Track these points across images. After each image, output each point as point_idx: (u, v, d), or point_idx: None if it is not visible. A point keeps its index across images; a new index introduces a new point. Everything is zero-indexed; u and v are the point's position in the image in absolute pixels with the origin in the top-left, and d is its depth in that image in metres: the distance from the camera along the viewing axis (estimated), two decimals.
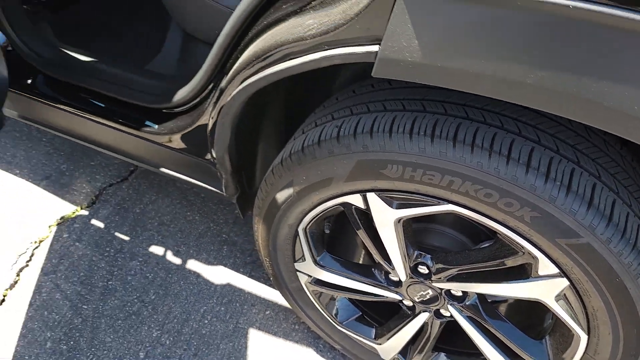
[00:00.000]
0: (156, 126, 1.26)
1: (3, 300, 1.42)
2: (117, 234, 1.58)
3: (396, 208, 0.89)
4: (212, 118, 1.03)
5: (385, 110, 0.84)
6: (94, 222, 1.61)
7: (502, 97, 0.66)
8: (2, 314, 1.39)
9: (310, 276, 1.16)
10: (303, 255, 1.12)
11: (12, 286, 1.45)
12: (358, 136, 0.84)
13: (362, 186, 0.88)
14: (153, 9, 1.77)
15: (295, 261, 1.15)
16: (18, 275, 1.48)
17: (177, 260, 1.53)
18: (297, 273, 1.18)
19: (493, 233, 0.91)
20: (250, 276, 1.51)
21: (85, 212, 1.64)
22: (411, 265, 0.99)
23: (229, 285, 1.49)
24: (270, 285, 1.49)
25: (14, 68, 1.33)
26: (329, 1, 0.77)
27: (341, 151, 0.86)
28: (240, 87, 0.90)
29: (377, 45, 0.70)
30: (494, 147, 0.74)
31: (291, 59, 0.81)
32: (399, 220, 0.91)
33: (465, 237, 1.04)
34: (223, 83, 0.97)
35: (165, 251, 1.55)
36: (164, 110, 1.27)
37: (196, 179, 1.33)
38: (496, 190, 0.75)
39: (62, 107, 1.36)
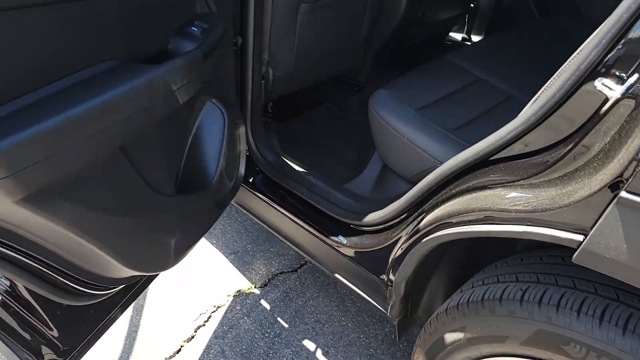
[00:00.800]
0: (343, 238, 1.45)
1: (179, 350, 1.67)
2: (279, 319, 1.77)
3: None
4: (402, 249, 1.17)
5: (574, 289, 0.88)
6: (262, 302, 1.83)
7: None
8: None
9: None
10: None
11: (188, 340, 1.70)
12: (543, 306, 0.88)
13: (539, 354, 0.91)
14: (361, 136, 2.09)
15: None
16: (195, 331, 1.73)
17: None
18: None
19: None
20: None
21: (257, 291, 1.87)
22: None
23: None
24: None
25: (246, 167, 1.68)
26: (537, 184, 0.88)
27: (522, 315, 0.91)
28: (437, 234, 1.03)
29: (583, 236, 0.77)
30: None
31: (492, 224, 0.91)
32: None
33: None
34: (421, 224, 1.11)
35: (316, 348, 1.67)
36: (352, 226, 1.46)
37: (363, 292, 1.46)
38: None
39: (269, 201, 1.64)
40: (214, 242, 2.07)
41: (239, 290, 1.87)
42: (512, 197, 0.90)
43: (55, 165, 0.76)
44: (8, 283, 1.02)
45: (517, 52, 1.92)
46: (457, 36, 2.79)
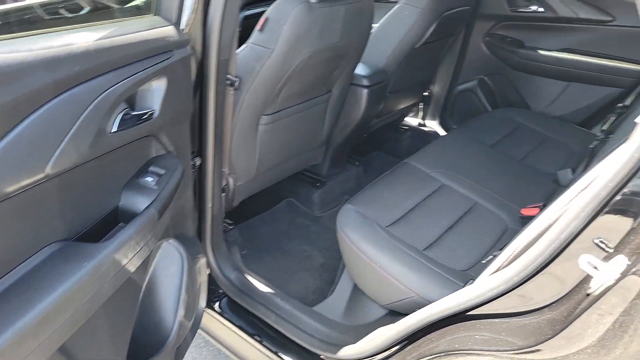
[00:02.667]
0: None
1: None
2: None
3: None
4: None
5: None
6: None
7: None
8: None
9: None
10: None
11: None
12: None
13: None
14: (327, 237, 2.03)
15: None
16: None
17: None
18: None
19: None
20: None
21: None
22: None
23: None
24: None
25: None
26: None
27: None
28: None
29: None
30: None
31: None
32: None
33: None
34: None
35: None
36: (322, 358, 1.36)
37: None
38: None
39: (233, 327, 1.52)
40: None
41: None
42: None
43: None
44: None
45: (474, 150, 1.95)
46: (413, 121, 2.85)
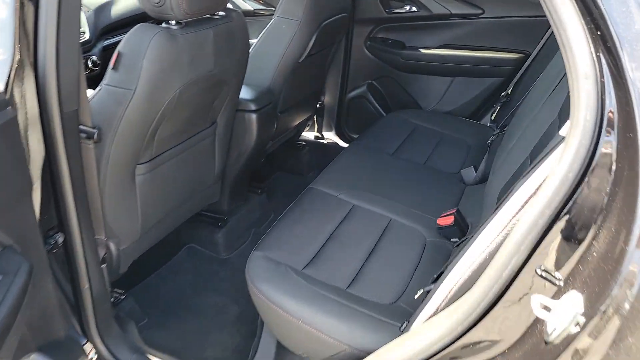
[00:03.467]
0: None
1: None
2: None
3: None
4: None
5: None
6: None
7: None
8: None
9: None
10: None
11: None
12: None
13: None
14: (237, 282, 1.81)
15: None
16: None
17: None
18: None
19: None
20: None
21: None
22: None
23: None
24: None
25: None
26: None
27: None
28: None
29: None
30: None
31: None
32: None
33: None
34: None
35: None
36: None
37: None
38: None
39: None
40: None
41: None
42: None
43: None
44: None
45: (377, 162, 1.87)
46: (310, 135, 2.73)
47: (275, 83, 1.93)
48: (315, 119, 2.68)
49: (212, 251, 2.00)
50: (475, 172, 1.78)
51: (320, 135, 2.72)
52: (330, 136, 2.71)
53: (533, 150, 1.24)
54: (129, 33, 1.18)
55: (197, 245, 2.02)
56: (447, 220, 1.48)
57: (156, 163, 1.43)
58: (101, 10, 2.17)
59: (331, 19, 2.00)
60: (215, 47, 1.35)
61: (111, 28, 2.16)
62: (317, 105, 2.60)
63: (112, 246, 1.41)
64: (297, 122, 2.42)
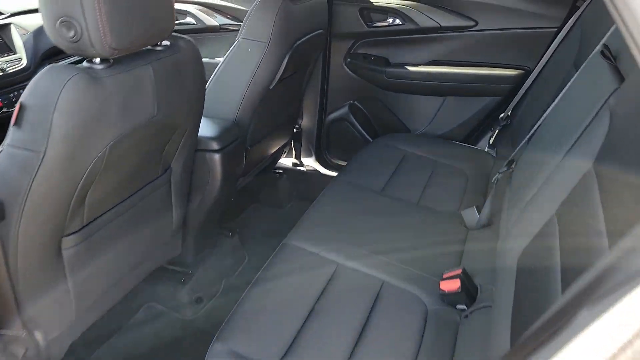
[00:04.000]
0: None
1: None
2: None
3: None
4: None
5: None
6: None
7: None
8: None
9: None
10: None
11: None
12: None
13: None
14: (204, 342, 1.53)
15: None
16: None
17: None
18: None
19: None
20: None
21: None
22: None
23: None
24: None
25: None
26: None
27: None
28: None
29: None
30: None
31: None
32: None
33: None
34: None
35: None
36: None
37: None
38: None
39: None
40: None
41: None
42: None
43: None
44: None
45: (363, 205, 1.61)
46: (288, 161, 2.47)
47: (243, 115, 1.65)
48: (292, 145, 2.41)
49: (175, 311, 1.71)
50: (478, 212, 1.53)
51: (298, 162, 2.45)
52: (310, 162, 2.45)
53: (561, 208, 0.99)
54: (34, 80, 0.89)
55: (157, 304, 1.73)
56: (452, 285, 1.23)
57: (90, 230, 1.14)
58: (41, 32, 1.88)
59: (305, 38, 1.74)
60: (157, 87, 1.06)
61: (54, 52, 1.88)
62: (295, 130, 2.34)
63: (38, 336, 1.12)
64: (273, 151, 2.15)
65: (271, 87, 1.66)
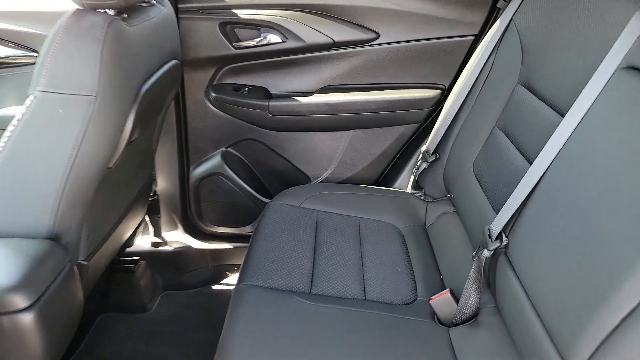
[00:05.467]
0: None
1: None
2: None
3: None
4: None
5: None
6: None
7: None
8: None
9: None
10: None
11: None
12: None
13: None
14: None
15: None
16: None
17: None
18: None
19: None
20: None
21: None
22: None
23: None
24: None
25: None
26: None
27: None
28: None
29: None
30: None
31: None
32: None
33: None
34: None
35: None
36: None
37: None
38: None
39: None
40: None
41: None
42: None
43: None
44: None
45: (288, 326, 1.04)
46: (145, 243, 1.76)
47: (66, 218, 0.95)
48: (149, 219, 1.72)
49: None
50: (454, 297, 1.09)
51: (160, 240, 1.76)
52: (177, 237, 1.78)
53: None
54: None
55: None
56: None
57: None
58: None
59: (156, 77, 1.09)
60: None
61: None
62: (151, 199, 1.65)
63: None
64: (123, 241, 1.45)
65: (111, 165, 0.99)
